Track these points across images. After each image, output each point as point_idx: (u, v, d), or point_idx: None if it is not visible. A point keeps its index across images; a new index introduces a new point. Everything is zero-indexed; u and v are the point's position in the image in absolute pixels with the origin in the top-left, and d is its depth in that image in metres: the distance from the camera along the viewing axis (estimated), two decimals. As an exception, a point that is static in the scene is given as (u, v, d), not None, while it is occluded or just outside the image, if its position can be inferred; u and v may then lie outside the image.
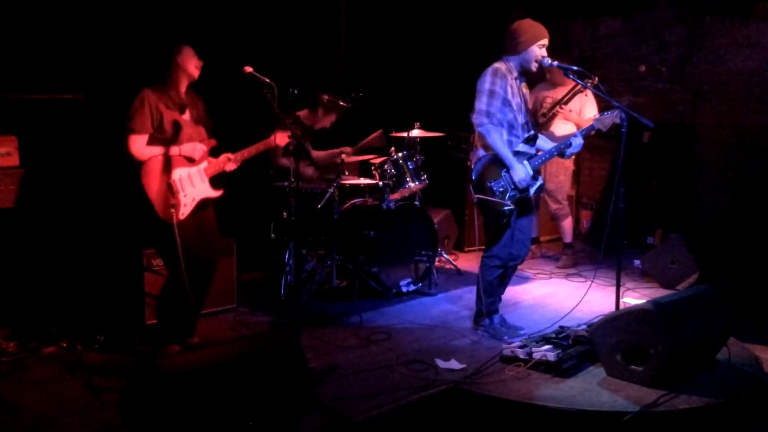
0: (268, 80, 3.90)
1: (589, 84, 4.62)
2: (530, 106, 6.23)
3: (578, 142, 4.42)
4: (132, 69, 5.15)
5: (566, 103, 5.98)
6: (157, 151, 3.86)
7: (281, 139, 4.14)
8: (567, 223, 6.42)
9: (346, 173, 5.49)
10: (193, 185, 3.95)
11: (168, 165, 3.86)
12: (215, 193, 4.06)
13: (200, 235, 4.00)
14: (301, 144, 3.97)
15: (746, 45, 6.63)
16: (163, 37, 5.21)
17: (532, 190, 4.39)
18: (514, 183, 4.30)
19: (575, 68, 4.43)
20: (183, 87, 3.96)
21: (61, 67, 4.86)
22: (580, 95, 5.95)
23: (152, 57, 3.97)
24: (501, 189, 4.27)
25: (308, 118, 5.69)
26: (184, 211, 3.89)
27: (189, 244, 3.87)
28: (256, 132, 4.34)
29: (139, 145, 3.82)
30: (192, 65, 3.93)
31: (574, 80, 4.71)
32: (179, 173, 3.90)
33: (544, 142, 4.54)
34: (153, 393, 2.70)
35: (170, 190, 3.84)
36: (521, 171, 4.27)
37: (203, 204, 4.02)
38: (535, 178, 4.37)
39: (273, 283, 5.40)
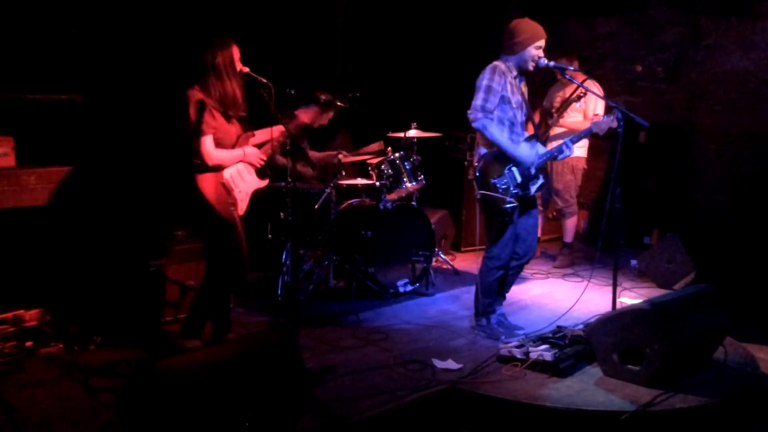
0: (265, 80, 3.90)
1: (583, 79, 4.65)
2: (544, 104, 6.31)
3: (568, 152, 4.45)
4: (128, 71, 5.17)
5: (567, 106, 6.03)
6: (226, 155, 3.88)
7: (276, 131, 4.19)
8: (571, 222, 6.44)
9: (344, 173, 5.50)
10: (244, 180, 3.99)
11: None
12: (263, 183, 4.11)
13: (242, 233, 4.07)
14: (297, 144, 3.97)
15: (742, 45, 6.65)
16: (160, 37, 5.24)
17: (533, 188, 4.40)
18: (516, 180, 4.31)
19: (571, 68, 4.46)
20: (234, 86, 3.88)
21: (59, 68, 4.85)
22: (581, 99, 5.99)
23: (190, 53, 3.92)
24: (504, 186, 4.29)
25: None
26: (242, 206, 3.96)
27: (238, 242, 3.97)
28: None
29: (211, 147, 3.80)
30: (237, 63, 3.88)
31: (569, 80, 4.73)
32: (229, 171, 3.92)
33: (539, 147, 4.57)
34: (150, 393, 2.70)
35: (225, 189, 3.86)
36: (526, 151, 4.30)
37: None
38: (535, 176, 4.39)
39: (270, 283, 5.40)
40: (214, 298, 4.03)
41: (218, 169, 3.86)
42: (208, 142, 3.79)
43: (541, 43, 4.30)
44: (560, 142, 4.49)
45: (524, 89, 4.47)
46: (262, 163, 4.10)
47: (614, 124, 4.35)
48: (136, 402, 2.75)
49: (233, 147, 3.96)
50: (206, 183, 3.84)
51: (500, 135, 4.26)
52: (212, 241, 3.95)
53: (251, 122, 4.70)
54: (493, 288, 4.51)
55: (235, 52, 3.87)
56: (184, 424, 2.67)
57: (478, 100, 4.24)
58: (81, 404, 3.45)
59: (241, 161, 3.99)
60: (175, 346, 4.03)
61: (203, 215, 3.82)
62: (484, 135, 4.29)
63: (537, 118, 6.15)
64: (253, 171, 4.07)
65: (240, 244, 3.97)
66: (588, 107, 6.09)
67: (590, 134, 4.60)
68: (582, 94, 5.90)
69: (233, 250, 3.93)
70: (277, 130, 4.14)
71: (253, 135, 4.09)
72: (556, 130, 6.14)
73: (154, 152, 5.08)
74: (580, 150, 6.20)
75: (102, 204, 4.81)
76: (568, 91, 6.15)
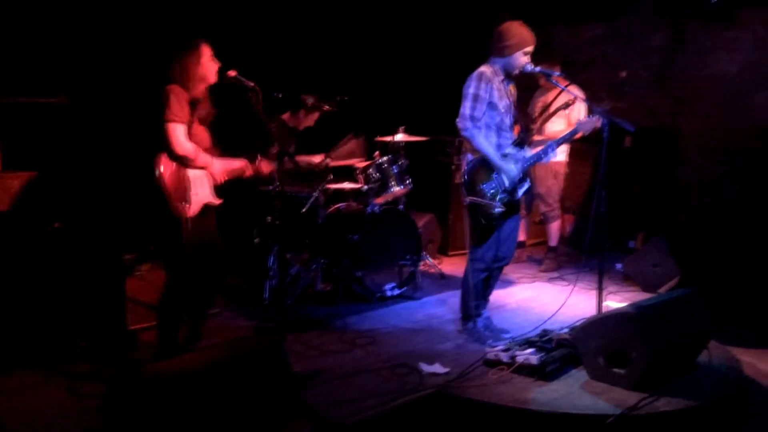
0: (252, 84, 3.89)
1: (566, 84, 4.69)
2: (528, 110, 6.33)
3: (550, 155, 4.50)
4: (114, 73, 5.15)
5: (550, 115, 6.02)
6: (196, 151, 3.79)
7: (266, 166, 4.16)
8: (555, 226, 6.47)
9: (331, 177, 5.50)
10: (201, 186, 3.91)
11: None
12: (215, 201, 4.01)
13: (205, 239, 3.96)
14: (285, 149, 3.96)
15: (727, 50, 6.71)
16: (147, 41, 5.22)
17: (520, 192, 4.43)
18: (504, 185, 4.33)
19: (557, 73, 4.49)
20: (203, 87, 3.88)
21: (46, 71, 4.84)
22: (569, 107, 6.00)
23: (163, 53, 3.89)
24: (492, 191, 4.31)
25: (291, 120, 5.68)
26: (194, 209, 3.84)
27: (195, 245, 3.84)
28: (239, 137, 4.33)
29: (182, 135, 3.72)
30: (212, 67, 3.86)
31: (555, 84, 4.77)
32: (193, 172, 3.85)
33: (527, 150, 4.60)
34: (137, 398, 2.69)
35: (183, 186, 3.78)
36: (510, 167, 4.31)
37: (206, 209, 3.97)
38: (522, 180, 4.42)
39: (256, 287, 5.38)
40: (172, 304, 3.92)
41: (184, 161, 3.78)
42: (179, 130, 3.71)
43: (530, 49, 4.32)
44: (541, 147, 4.52)
45: (513, 90, 4.49)
46: (221, 182, 4.01)
47: (599, 124, 4.38)
48: (121, 406, 2.74)
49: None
50: (167, 167, 3.74)
51: (488, 146, 4.28)
52: (163, 238, 3.86)
53: (236, 128, 4.70)
54: (479, 289, 4.53)
55: (206, 53, 3.85)
56: (171, 429, 2.66)
57: (466, 109, 4.26)
58: (66, 409, 3.43)
59: (206, 168, 3.90)
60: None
61: (154, 204, 3.73)
62: (471, 143, 4.31)
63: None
64: (211, 185, 3.97)
65: (193, 249, 3.83)
66: (571, 114, 6.13)
67: (575, 135, 4.62)
68: (570, 102, 5.92)
69: (185, 251, 3.80)
70: (268, 165, 4.13)
71: (218, 153, 4.02)
72: (535, 136, 6.13)
73: (138, 154, 5.04)
74: (561, 155, 6.24)
75: (85, 207, 4.79)
76: (551, 96, 6.16)
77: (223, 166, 3.98)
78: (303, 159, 5.62)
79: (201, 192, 3.90)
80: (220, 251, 4.14)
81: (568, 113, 6.11)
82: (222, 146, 4.14)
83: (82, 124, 4.94)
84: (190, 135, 3.81)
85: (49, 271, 4.40)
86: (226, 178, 4.02)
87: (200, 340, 4.12)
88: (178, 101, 3.71)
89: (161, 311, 3.97)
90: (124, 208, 5.01)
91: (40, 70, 4.81)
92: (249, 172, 4.14)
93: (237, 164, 4.06)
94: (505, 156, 4.35)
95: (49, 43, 4.89)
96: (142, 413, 2.65)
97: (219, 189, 4.03)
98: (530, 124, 6.19)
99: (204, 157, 3.86)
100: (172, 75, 3.77)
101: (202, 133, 3.92)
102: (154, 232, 3.90)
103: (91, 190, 4.94)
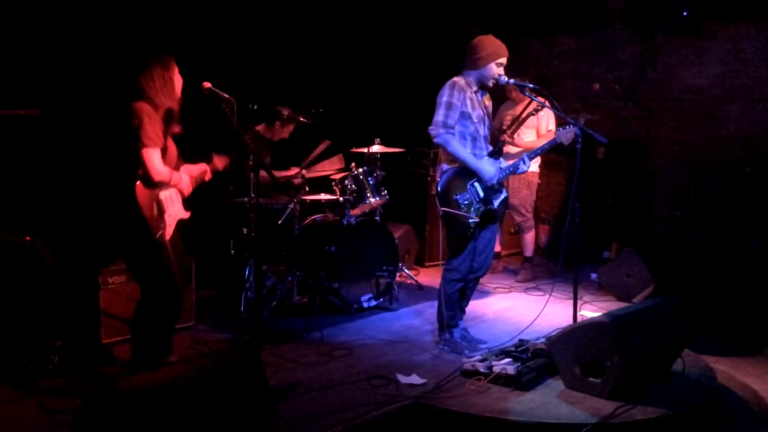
0: (227, 96, 3.88)
1: (543, 101, 4.73)
2: (493, 122, 6.35)
3: (524, 167, 4.51)
4: (87, 86, 5.11)
5: (520, 124, 6.06)
6: (170, 175, 3.73)
7: (220, 162, 4.15)
8: (529, 237, 6.51)
9: (307, 189, 5.49)
10: (173, 205, 3.89)
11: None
12: (186, 215, 3.98)
13: (174, 253, 3.92)
14: (260, 161, 3.95)
15: (696, 63, 6.83)
16: (121, 53, 5.19)
17: (496, 203, 4.45)
18: (479, 196, 4.35)
19: (531, 86, 4.52)
20: (173, 102, 3.81)
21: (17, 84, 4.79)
22: (538, 112, 6.05)
23: (131, 68, 3.84)
24: (466, 202, 4.33)
25: (267, 131, 5.68)
26: (169, 231, 3.82)
27: (170, 263, 3.82)
28: (214, 150, 4.32)
29: (159, 161, 3.64)
30: (178, 81, 3.84)
31: (529, 97, 4.81)
32: (165, 193, 3.81)
33: (502, 161, 4.63)
34: (110, 412, 2.65)
35: (159, 209, 3.74)
36: (488, 167, 4.33)
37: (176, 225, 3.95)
38: (498, 190, 4.44)
39: (232, 300, 5.35)
40: (150, 321, 3.85)
41: (160, 186, 3.73)
42: (157, 157, 3.64)
43: (503, 60, 4.36)
44: (516, 159, 4.55)
45: (487, 102, 4.53)
46: (189, 194, 4.00)
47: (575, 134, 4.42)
48: (95, 421, 2.70)
49: (174, 168, 3.87)
50: (144, 197, 3.68)
51: (462, 150, 4.31)
52: (141, 262, 3.81)
53: (210, 139, 4.68)
54: (455, 300, 4.54)
55: (174, 68, 3.81)
56: (145, 444, 2.63)
57: (439, 116, 4.29)
58: (39, 425, 3.37)
59: (175, 186, 3.87)
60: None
61: (135, 231, 3.68)
62: (446, 150, 4.33)
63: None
64: (180, 200, 3.95)
65: (170, 267, 3.81)
66: (540, 124, 6.18)
67: (553, 145, 4.65)
68: (539, 108, 5.96)
69: (164, 271, 3.78)
70: (222, 160, 4.12)
71: (183, 164, 3.99)
72: (508, 148, 6.16)
73: (110, 167, 4.99)
74: (534, 165, 6.29)
75: (58, 220, 4.73)
76: (519, 108, 6.19)
77: (189, 179, 3.96)
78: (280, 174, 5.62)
79: (173, 210, 3.89)
80: (185, 263, 4.13)
81: (537, 124, 6.16)
82: (195, 159, 4.12)
83: (54, 137, 4.88)
84: (164, 153, 3.76)
85: (20, 285, 4.33)
86: (193, 187, 4.00)
87: (170, 354, 4.08)
88: (151, 124, 3.62)
89: (136, 326, 3.92)
90: (96, 222, 4.95)
91: (8, 83, 4.75)
92: (209, 176, 4.13)
93: (197, 170, 4.05)
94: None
95: (20, 55, 4.83)
96: (116, 428, 2.61)
97: (190, 201, 4.01)
98: (499, 136, 6.24)
99: (176, 177, 3.82)
100: (147, 91, 3.69)
101: (172, 147, 3.89)
102: (128, 252, 3.85)
103: (63, 203, 4.88)
